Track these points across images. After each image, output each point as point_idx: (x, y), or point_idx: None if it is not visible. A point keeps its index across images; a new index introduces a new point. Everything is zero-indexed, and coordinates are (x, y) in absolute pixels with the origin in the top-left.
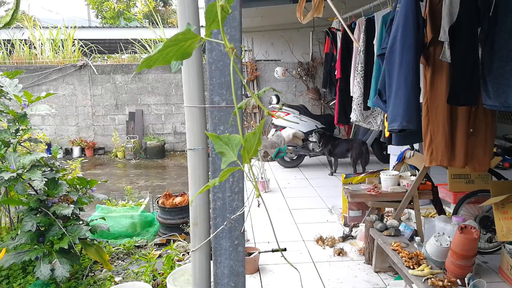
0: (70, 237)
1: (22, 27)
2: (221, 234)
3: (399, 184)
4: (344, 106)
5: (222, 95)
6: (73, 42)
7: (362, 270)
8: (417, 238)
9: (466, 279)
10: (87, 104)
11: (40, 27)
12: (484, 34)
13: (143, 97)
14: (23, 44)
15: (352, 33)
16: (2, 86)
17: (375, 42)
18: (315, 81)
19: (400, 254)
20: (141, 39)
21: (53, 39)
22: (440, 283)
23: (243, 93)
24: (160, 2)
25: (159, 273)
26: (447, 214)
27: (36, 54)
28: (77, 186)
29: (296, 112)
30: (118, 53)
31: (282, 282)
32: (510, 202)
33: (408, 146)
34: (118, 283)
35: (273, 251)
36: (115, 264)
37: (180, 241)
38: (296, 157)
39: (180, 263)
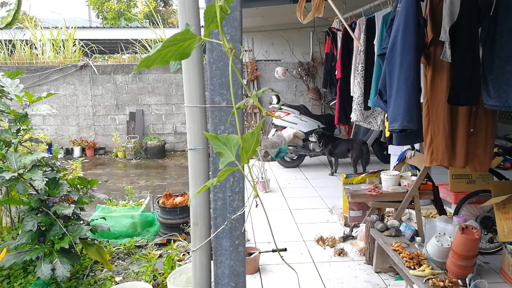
0: (71, 236)
1: (23, 28)
2: (221, 234)
3: (399, 184)
4: (344, 106)
5: (223, 95)
6: (74, 42)
7: (363, 271)
8: (418, 239)
9: (467, 279)
10: (87, 104)
11: (41, 28)
12: (485, 33)
13: (143, 97)
14: (24, 45)
15: (353, 33)
16: (3, 86)
17: (375, 42)
18: (316, 81)
19: (401, 254)
20: (142, 39)
21: (54, 40)
22: (441, 283)
23: (243, 93)
24: (161, 2)
25: (159, 273)
26: (448, 214)
27: (37, 54)
28: (78, 186)
29: (297, 112)
30: (118, 53)
31: (282, 282)
32: (511, 203)
33: (408, 146)
34: (118, 283)
35: (273, 251)
36: (115, 264)
37: (181, 241)
38: (296, 157)
39: (180, 263)
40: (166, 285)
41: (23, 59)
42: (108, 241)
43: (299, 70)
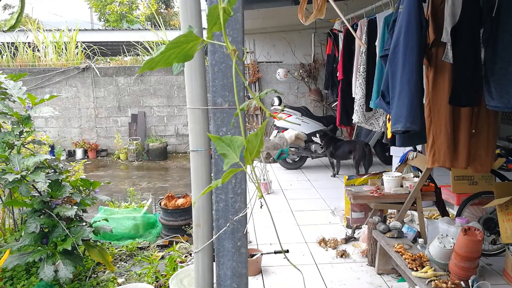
0: (73, 238)
1: (25, 30)
2: (223, 236)
3: (402, 186)
4: (346, 108)
5: (225, 96)
6: (76, 44)
7: (365, 272)
8: (420, 240)
9: (470, 281)
10: (90, 106)
11: (43, 30)
12: (487, 35)
13: (145, 99)
14: (26, 47)
15: (355, 34)
16: (6, 89)
17: (377, 43)
18: (317, 83)
19: (403, 256)
20: (144, 42)
21: (56, 42)
22: (444, 285)
23: (245, 94)
24: (162, 5)
25: (161, 275)
26: (450, 215)
27: (39, 57)
28: (80, 187)
29: (298, 114)
30: (120, 55)
31: (284, 283)
32: None
33: (410, 148)
34: (121, 285)
35: (275, 252)
36: (118, 265)
37: (183, 242)
38: (298, 158)
39: (182, 264)
40: (168, 286)
41: (25, 62)
42: (110, 243)
43: (300, 71)
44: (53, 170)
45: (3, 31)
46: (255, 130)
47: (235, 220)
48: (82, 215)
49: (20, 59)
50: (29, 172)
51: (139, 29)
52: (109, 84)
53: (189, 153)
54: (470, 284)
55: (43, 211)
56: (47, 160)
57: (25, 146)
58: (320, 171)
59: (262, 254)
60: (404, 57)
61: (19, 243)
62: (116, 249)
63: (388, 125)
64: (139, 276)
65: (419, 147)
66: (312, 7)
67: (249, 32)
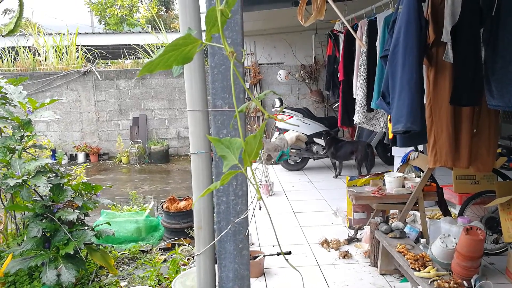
0: (76, 242)
1: (26, 34)
2: (225, 238)
3: (403, 186)
4: (347, 108)
5: (225, 98)
6: (77, 48)
7: (368, 273)
8: (422, 240)
9: (472, 280)
10: (91, 110)
11: (44, 34)
12: (487, 34)
13: (146, 102)
14: (27, 51)
15: (355, 34)
16: (6, 93)
17: (377, 43)
18: (318, 84)
19: (406, 256)
20: (144, 45)
21: (57, 46)
22: (446, 285)
23: (246, 96)
24: (163, 7)
25: (164, 278)
26: (452, 215)
27: (40, 61)
28: (82, 191)
29: (300, 115)
30: (121, 58)
31: (287, 285)
32: None
33: (412, 148)
34: None
35: (278, 254)
36: (120, 269)
37: (185, 245)
38: (300, 160)
39: (185, 267)
40: None
41: (26, 66)
42: (113, 246)
43: (301, 73)
44: (54, 174)
45: (2, 36)
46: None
47: (237, 222)
48: (84, 219)
49: (21, 63)
50: (30, 177)
51: (140, 32)
52: (110, 87)
53: (190, 155)
54: (472, 283)
55: (45, 215)
56: (48, 164)
57: (26, 150)
58: (322, 172)
59: (264, 256)
60: (403, 57)
61: (22, 248)
62: (118, 252)
63: (389, 125)
64: (142, 279)
65: (420, 147)
66: (311, 8)
67: (250, 34)
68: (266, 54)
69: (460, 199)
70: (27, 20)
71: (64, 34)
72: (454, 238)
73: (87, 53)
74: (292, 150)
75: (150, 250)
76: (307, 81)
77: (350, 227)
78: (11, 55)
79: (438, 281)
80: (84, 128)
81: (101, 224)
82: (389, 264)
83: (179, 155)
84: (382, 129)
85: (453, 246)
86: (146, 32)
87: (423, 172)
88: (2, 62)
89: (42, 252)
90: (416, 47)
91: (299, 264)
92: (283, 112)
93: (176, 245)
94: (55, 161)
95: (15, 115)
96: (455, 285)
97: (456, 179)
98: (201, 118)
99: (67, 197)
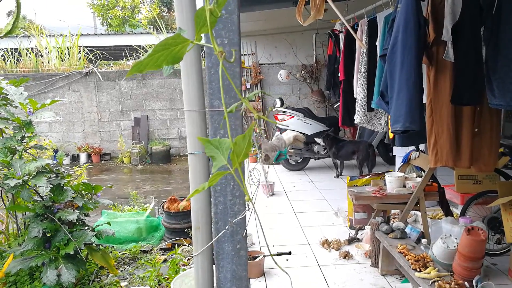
0: (76, 242)
1: (29, 36)
2: (223, 238)
3: (404, 186)
4: (348, 108)
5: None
6: (79, 49)
7: (369, 273)
8: (423, 240)
9: (474, 281)
10: (93, 111)
11: (46, 35)
12: (488, 32)
13: (148, 103)
14: (30, 53)
15: (355, 34)
16: (7, 94)
17: (377, 43)
18: (319, 84)
19: (407, 256)
20: (146, 45)
21: (59, 47)
22: (447, 286)
23: (244, 96)
24: (164, 8)
25: (164, 278)
26: (454, 215)
27: (42, 62)
28: (82, 192)
29: (301, 115)
30: (123, 59)
31: (287, 286)
32: None
33: (413, 147)
34: None
35: (278, 254)
36: (121, 269)
37: (186, 245)
38: (301, 160)
39: (185, 267)
40: None
41: (29, 67)
42: (113, 246)
43: (302, 72)
44: (55, 175)
45: (0, 37)
46: (256, 132)
47: (234, 222)
48: (85, 219)
49: (24, 64)
50: (31, 177)
51: (142, 33)
52: (111, 88)
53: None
54: (474, 284)
55: (45, 215)
56: (49, 165)
57: (27, 151)
58: (323, 172)
59: (264, 256)
60: (402, 56)
61: (22, 248)
62: (119, 252)
63: (390, 125)
64: (142, 279)
65: (422, 147)
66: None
67: (251, 34)
68: (267, 54)
69: (462, 199)
70: (30, 21)
71: (66, 35)
72: (456, 238)
73: (89, 54)
74: (290, 150)
75: (151, 250)
76: (308, 81)
77: (351, 227)
78: (14, 57)
79: (439, 282)
80: (86, 128)
81: (102, 224)
82: (390, 264)
83: (181, 155)
84: (383, 129)
85: (454, 246)
86: (148, 33)
87: (424, 172)
88: (5, 63)
89: (42, 252)
90: (415, 46)
91: (299, 264)
92: (284, 112)
93: (177, 245)
94: (55, 162)
95: (16, 116)
96: (456, 286)
97: (458, 178)
98: (198, 118)
99: (68, 197)
